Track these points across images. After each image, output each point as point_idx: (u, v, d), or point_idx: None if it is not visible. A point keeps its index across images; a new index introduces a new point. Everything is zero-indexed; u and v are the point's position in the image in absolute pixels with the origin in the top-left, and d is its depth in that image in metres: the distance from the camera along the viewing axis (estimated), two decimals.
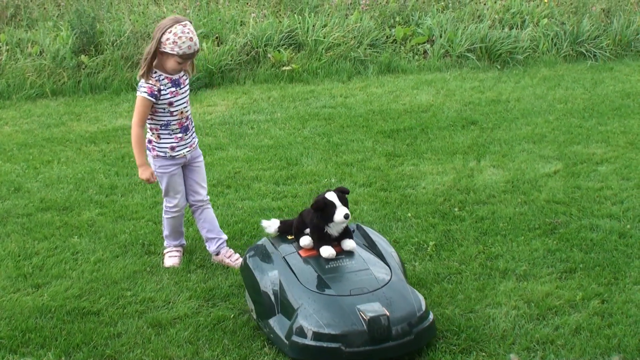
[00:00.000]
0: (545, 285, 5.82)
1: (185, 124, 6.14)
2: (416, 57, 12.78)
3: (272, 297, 5.20)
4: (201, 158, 6.39)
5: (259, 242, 5.82)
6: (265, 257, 5.57)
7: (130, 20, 12.92)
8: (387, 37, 13.14)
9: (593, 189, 7.54)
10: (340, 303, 4.98)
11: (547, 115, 9.93)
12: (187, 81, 6.16)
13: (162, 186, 6.25)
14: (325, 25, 12.90)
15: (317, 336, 4.86)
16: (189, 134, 6.21)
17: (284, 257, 5.47)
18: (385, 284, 5.15)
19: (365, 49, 12.68)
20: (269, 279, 5.28)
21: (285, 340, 4.97)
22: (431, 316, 5.11)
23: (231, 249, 6.42)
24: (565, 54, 12.84)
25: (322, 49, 12.48)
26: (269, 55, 12.35)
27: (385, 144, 9.07)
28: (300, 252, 5.50)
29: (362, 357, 4.84)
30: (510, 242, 6.52)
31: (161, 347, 5.16)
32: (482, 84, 11.52)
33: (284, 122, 9.99)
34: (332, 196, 5.38)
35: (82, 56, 12.06)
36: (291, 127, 9.80)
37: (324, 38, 12.60)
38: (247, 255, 5.67)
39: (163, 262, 6.34)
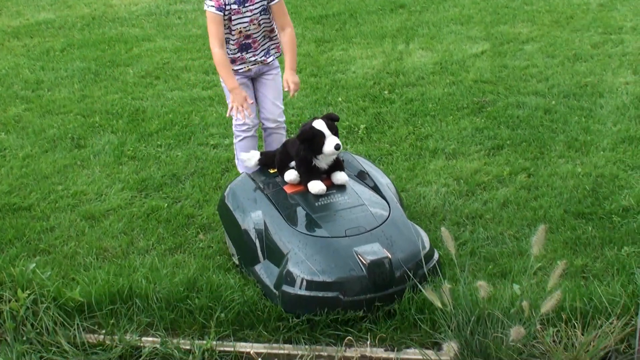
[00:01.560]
0: (473, 162, 5.92)
1: (246, 42, 5.33)
2: None
3: (257, 241, 4.63)
4: (276, 71, 5.57)
5: (238, 178, 5.16)
6: (246, 195, 4.92)
7: None
8: None
9: (519, 67, 7.61)
10: (335, 246, 4.41)
11: None
12: (259, 3, 5.24)
13: (228, 100, 5.32)
14: None
15: (310, 285, 4.31)
16: (251, 53, 5.38)
17: (267, 194, 4.85)
18: (384, 221, 4.56)
19: None
20: (251, 220, 4.69)
21: (275, 290, 4.41)
22: (436, 255, 4.62)
23: None
24: None
25: None
26: None
27: (315, 30, 9.02)
28: (286, 187, 4.86)
29: (363, 305, 4.28)
30: (439, 122, 6.59)
31: (95, 239, 5.17)
32: None
33: None
34: (320, 125, 4.72)
35: None
36: None
37: None
38: (225, 194, 5.05)
39: None
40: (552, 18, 8.96)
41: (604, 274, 4.50)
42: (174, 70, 7.99)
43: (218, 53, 5.19)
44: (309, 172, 4.80)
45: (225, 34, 5.26)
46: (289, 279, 4.35)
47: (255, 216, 4.69)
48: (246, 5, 5.19)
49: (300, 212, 4.69)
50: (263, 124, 5.60)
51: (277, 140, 5.52)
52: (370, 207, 4.66)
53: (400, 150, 6.18)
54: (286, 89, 5.30)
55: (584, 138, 6.14)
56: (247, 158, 5.19)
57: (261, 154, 5.18)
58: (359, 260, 4.30)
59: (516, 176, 5.69)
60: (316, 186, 4.74)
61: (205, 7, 5.18)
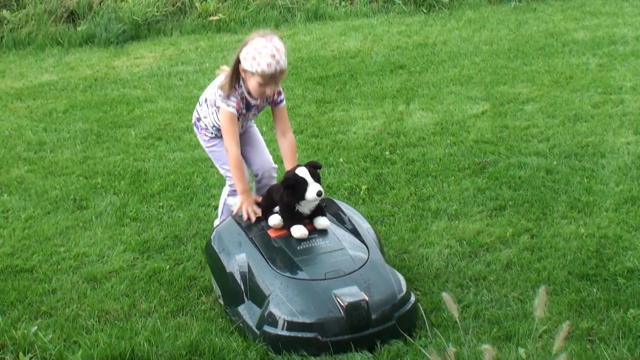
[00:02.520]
0: (476, 223, 5.92)
1: (241, 130, 5.54)
2: (343, 3, 12.75)
3: (241, 283, 4.81)
4: (252, 126, 5.76)
5: (224, 222, 5.34)
6: (231, 238, 5.09)
7: None
8: None
9: (520, 127, 7.65)
10: (315, 288, 4.59)
11: (474, 57, 10.01)
12: (264, 103, 5.44)
13: (219, 162, 5.60)
14: None
15: (290, 325, 4.49)
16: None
17: (251, 238, 5.00)
18: (363, 265, 4.74)
19: None
20: (236, 262, 4.86)
21: (256, 330, 4.61)
22: (413, 298, 4.76)
23: None
24: None
25: None
26: (196, 4, 12.21)
27: (315, 91, 9.08)
28: (270, 232, 5.02)
29: (340, 346, 4.45)
30: (441, 183, 6.61)
31: (97, 301, 5.15)
32: (409, 28, 11.54)
33: (213, 72, 9.86)
34: (303, 172, 4.92)
35: (4, 11, 11.80)
36: None
37: None
38: (212, 237, 5.21)
39: None
40: (551, 78, 9.02)
41: (610, 337, 4.48)
42: (175, 131, 8.03)
43: (235, 153, 5.32)
44: (292, 217, 4.98)
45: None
46: (270, 319, 4.55)
47: (239, 259, 4.87)
48: (251, 111, 5.41)
49: (283, 255, 4.86)
50: (257, 175, 5.72)
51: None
52: (349, 251, 4.85)
53: (402, 211, 6.18)
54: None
55: (586, 199, 6.14)
56: (234, 203, 5.36)
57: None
58: (337, 303, 4.49)
59: (519, 237, 5.68)
60: (298, 230, 4.91)
61: (227, 107, 5.24)
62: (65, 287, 5.33)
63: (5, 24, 11.68)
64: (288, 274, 4.71)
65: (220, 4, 12.36)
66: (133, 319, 4.93)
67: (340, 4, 12.70)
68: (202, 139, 5.66)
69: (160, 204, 6.49)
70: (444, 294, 3.94)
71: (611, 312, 4.70)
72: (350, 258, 4.79)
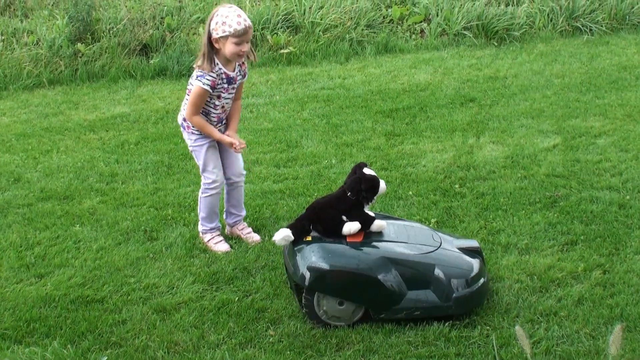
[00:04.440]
0: (547, 258, 5.84)
1: (223, 116, 6.22)
2: (413, 36, 12.77)
3: (395, 281, 5.04)
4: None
5: (314, 250, 5.22)
6: (346, 253, 5.14)
7: (126, 7, 12.92)
8: (383, 17, 13.14)
9: (592, 161, 7.54)
10: (453, 248, 5.30)
11: (545, 90, 9.93)
12: (240, 78, 6.16)
13: (200, 161, 6.26)
14: (322, 7, 12.89)
15: (470, 282, 5.12)
16: (223, 124, 6.29)
17: (353, 246, 5.17)
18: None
19: (363, 29, 12.67)
20: (376, 267, 5.03)
21: (447, 303, 5.06)
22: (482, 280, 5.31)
23: (247, 226, 6.55)
24: (562, 29, 12.82)
25: (319, 30, 12.47)
26: (267, 37, 12.33)
27: (385, 124, 9.07)
28: (349, 239, 5.20)
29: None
30: (511, 217, 6.54)
31: (166, 333, 5.18)
32: (479, 62, 11.51)
33: (283, 105, 10.00)
34: (368, 170, 5.33)
35: (79, 44, 12.04)
36: (290, 109, 9.80)
37: (321, 20, 12.59)
38: (325, 262, 5.11)
39: (212, 250, 6.30)
40: (624, 112, 8.90)
41: None
42: (245, 163, 8.06)
43: (198, 119, 6.03)
44: (367, 219, 5.26)
45: (209, 108, 6.07)
46: (453, 286, 5.07)
47: (374, 262, 5.06)
48: (233, 84, 6.07)
49: (394, 243, 5.23)
50: (229, 179, 6.43)
51: (239, 192, 6.49)
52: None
53: None
54: (236, 148, 6.08)
55: None
56: (282, 237, 5.29)
57: (290, 227, 5.32)
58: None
59: (591, 272, 5.59)
60: (378, 223, 5.29)
61: (200, 84, 5.89)
62: (135, 318, 5.37)
63: (80, 57, 11.91)
64: (430, 246, 5.24)
65: (291, 37, 12.46)
66: (202, 350, 4.95)
67: (410, 37, 12.72)
68: (189, 137, 6.23)
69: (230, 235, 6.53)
70: (517, 328, 3.89)
71: None
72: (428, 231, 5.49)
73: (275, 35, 12.34)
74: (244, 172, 6.51)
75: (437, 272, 5.08)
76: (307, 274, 5.07)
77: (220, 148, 6.30)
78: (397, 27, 12.95)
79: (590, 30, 12.75)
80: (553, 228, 6.28)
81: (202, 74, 5.88)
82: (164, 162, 8.24)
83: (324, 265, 5.06)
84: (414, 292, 5.05)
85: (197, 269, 5.98)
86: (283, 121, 9.34)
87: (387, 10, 13.24)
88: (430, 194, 7.07)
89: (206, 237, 6.40)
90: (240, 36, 5.75)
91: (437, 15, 12.92)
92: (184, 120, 6.17)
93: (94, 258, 6.24)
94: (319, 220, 5.28)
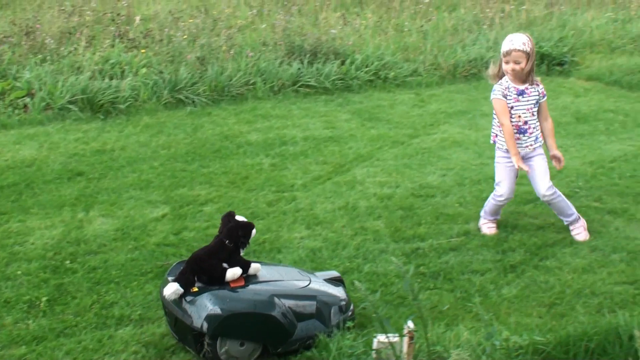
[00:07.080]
0: (161, 327, 5.94)
1: (523, 127, 7.13)
2: (16, 111, 12.44)
3: (285, 317, 5.42)
4: (538, 155, 7.21)
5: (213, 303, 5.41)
6: (241, 297, 5.48)
7: None
8: None
9: (200, 228, 7.82)
10: (321, 280, 5.85)
11: (152, 162, 10.10)
12: (535, 94, 7.14)
13: (495, 174, 7.32)
14: None
15: (344, 307, 5.70)
16: (527, 137, 7.16)
17: (235, 289, 5.53)
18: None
19: None
20: (270, 304, 5.41)
21: (330, 328, 5.50)
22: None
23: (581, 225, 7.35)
24: (166, 101, 13.11)
25: None
26: None
27: None
28: (232, 284, 5.53)
29: None
30: (124, 289, 6.58)
31: None
32: (86, 135, 11.46)
33: None
34: (240, 217, 5.76)
35: None
36: None
37: None
38: (222, 308, 5.34)
39: (481, 231, 7.48)
40: (228, 179, 9.31)
41: None
42: None
43: (508, 124, 7.05)
44: (244, 262, 5.64)
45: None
46: (331, 313, 5.60)
47: (262, 303, 5.40)
48: (524, 96, 7.09)
49: (272, 281, 5.66)
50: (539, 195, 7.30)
51: (554, 205, 7.29)
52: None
53: (86, 320, 6.09)
54: (556, 165, 7.29)
55: None
56: (173, 291, 5.39)
57: (177, 281, 5.46)
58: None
59: None
60: (254, 265, 5.67)
61: (493, 95, 7.08)
62: None
63: None
64: (305, 283, 5.69)
65: None
66: None
67: (13, 112, 12.38)
68: (497, 154, 7.32)
69: None
70: None
71: None
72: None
73: None
74: (547, 193, 7.17)
75: (319, 302, 5.53)
76: (208, 322, 5.26)
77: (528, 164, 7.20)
78: None
79: (193, 101, 13.15)
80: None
81: (495, 86, 7.22)
82: None
83: (223, 312, 5.29)
84: (303, 323, 5.45)
85: None
86: None
87: None
88: (40, 271, 6.93)
89: (481, 222, 7.54)
90: (506, 56, 7.07)
91: (41, 90, 12.72)
92: (495, 135, 7.29)
93: None
94: (203, 271, 5.51)
